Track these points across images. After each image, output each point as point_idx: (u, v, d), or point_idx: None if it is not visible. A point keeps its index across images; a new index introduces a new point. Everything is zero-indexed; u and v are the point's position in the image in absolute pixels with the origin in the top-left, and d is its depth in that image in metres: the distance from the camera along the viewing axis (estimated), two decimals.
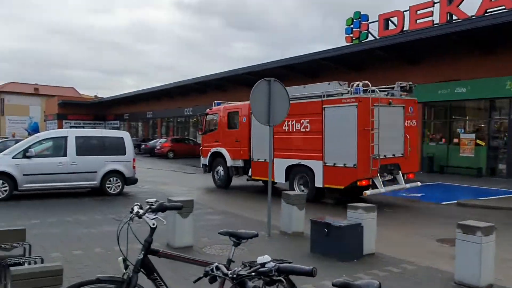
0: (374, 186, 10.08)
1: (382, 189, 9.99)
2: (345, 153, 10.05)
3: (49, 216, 8.68)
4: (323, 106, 10.46)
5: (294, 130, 11.30)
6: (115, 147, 12.01)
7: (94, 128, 49.78)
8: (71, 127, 49.19)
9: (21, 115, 66.77)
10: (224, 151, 13.75)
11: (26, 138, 21.89)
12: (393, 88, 10.95)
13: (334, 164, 10.25)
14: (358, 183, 9.85)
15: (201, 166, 14.82)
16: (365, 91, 10.22)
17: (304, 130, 11.06)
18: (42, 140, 11.43)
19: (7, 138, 29.90)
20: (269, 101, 7.62)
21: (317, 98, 10.75)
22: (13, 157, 10.71)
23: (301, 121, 11.09)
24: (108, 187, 11.76)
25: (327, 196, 11.34)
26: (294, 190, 11.28)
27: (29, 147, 10.98)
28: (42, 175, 10.87)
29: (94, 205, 10.27)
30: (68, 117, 52.23)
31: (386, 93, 10.85)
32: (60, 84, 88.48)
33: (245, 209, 10.12)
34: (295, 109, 10.62)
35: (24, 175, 10.66)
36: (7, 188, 10.51)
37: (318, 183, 10.55)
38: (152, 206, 2.86)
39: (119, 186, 11.90)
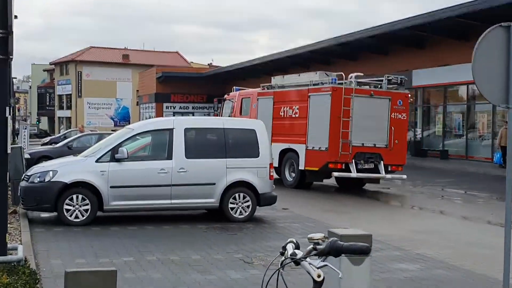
0: (348, 171, 17.14)
1: (353, 174, 17.09)
2: (320, 137, 17.23)
3: (147, 251, 9.49)
4: (309, 94, 18.06)
5: (287, 115, 19.03)
6: (244, 146, 12.65)
7: (209, 115, 53.42)
8: (174, 113, 53.57)
9: (105, 96, 75.63)
10: None
11: (114, 131, 24.48)
12: (381, 80, 18.05)
13: (313, 147, 17.52)
14: (329, 166, 16.93)
15: None
16: (359, 84, 17.80)
17: (294, 116, 18.64)
18: (137, 134, 12.59)
19: (80, 131, 34.01)
20: (509, 64, 7.02)
21: (305, 87, 18.48)
22: (97, 160, 11.96)
23: (293, 107, 18.78)
24: (232, 208, 12.40)
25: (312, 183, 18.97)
26: (284, 175, 18.92)
27: (120, 144, 12.09)
28: (136, 188, 11.94)
29: (210, 236, 10.90)
30: (171, 98, 57.01)
31: (369, 85, 18.16)
32: (160, 48, 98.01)
33: (443, 249, 9.84)
34: (288, 96, 19.31)
35: (111, 187, 11.80)
36: (88, 206, 11.72)
37: (301, 165, 17.85)
38: (319, 246, 2.87)
39: (248, 206, 12.47)
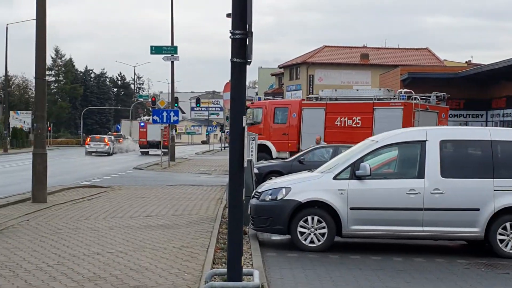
0: None
1: None
2: None
3: (396, 287, 9.56)
4: (374, 107, 27.01)
5: (346, 125, 27.65)
6: None
7: (466, 124, 51.87)
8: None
9: None
10: (269, 143, 29.83)
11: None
12: (430, 96, 28.27)
13: None
14: None
15: None
16: (408, 97, 27.21)
17: (355, 125, 27.30)
18: (381, 147, 12.75)
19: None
20: None
21: (368, 100, 27.66)
22: (335, 177, 12.34)
23: (353, 118, 27.45)
24: (502, 241, 11.98)
25: None
26: None
27: (361, 159, 12.38)
28: (380, 211, 12.12)
29: (473, 274, 10.63)
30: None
31: (424, 100, 27.79)
32: (405, 45, 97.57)
33: None
34: (347, 108, 28.11)
35: (351, 208, 12.08)
36: (325, 230, 12.12)
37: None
38: None
39: None
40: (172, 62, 46.75)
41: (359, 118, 27.42)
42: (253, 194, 13.37)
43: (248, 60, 7.08)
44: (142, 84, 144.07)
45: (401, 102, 26.64)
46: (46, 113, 19.33)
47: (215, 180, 30.02)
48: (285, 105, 31.76)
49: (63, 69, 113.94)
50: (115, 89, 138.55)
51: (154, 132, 58.99)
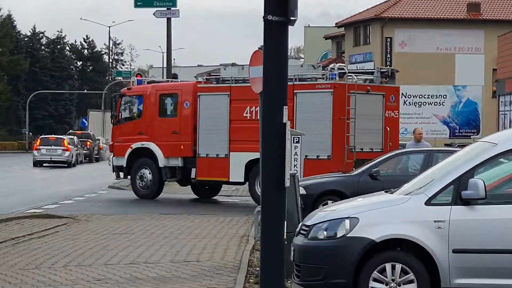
0: None
1: None
2: (318, 143, 28.01)
3: None
4: (295, 91, 28.73)
5: (258, 118, 24.83)
6: None
7: None
8: None
9: (433, 80, 75.26)
10: (153, 146, 32.73)
11: (448, 145, 23.96)
12: (372, 73, 31.92)
13: (306, 156, 24.00)
14: None
15: (111, 169, 35.32)
16: (341, 76, 29.78)
17: None
18: (502, 153, 12.64)
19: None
20: None
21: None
22: (429, 202, 12.25)
23: None
24: None
25: None
26: (255, 192, 28.61)
27: (470, 173, 12.30)
28: (503, 255, 12.01)
29: None
30: None
31: (364, 79, 30.72)
32: None
33: None
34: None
35: (455, 251, 11.99)
36: (413, 285, 11.90)
37: None
38: None
39: None
40: (169, 20, 47.02)
41: None
42: (298, 229, 13.31)
43: (291, 19, 7.05)
44: (122, 54, 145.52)
45: (330, 83, 28.54)
46: None
47: (237, 205, 30.15)
48: (174, 91, 34.11)
49: None
50: (80, 63, 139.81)
51: None
